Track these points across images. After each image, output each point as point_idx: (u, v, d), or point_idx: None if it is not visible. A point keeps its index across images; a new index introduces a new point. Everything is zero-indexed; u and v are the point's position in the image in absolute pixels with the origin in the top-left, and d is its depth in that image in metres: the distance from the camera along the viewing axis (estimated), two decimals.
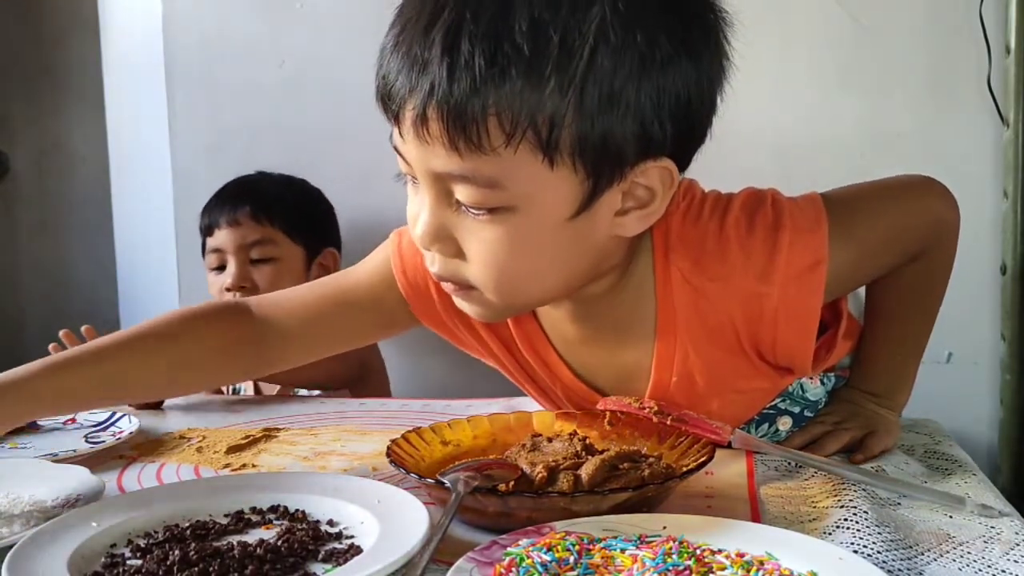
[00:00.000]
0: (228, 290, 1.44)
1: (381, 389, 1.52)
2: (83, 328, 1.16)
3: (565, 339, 0.89)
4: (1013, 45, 1.53)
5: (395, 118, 0.74)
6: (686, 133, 0.74)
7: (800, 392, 0.93)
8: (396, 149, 0.76)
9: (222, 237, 1.46)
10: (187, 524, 0.69)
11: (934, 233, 0.92)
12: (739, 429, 0.87)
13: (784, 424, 0.92)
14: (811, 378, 0.93)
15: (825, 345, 0.92)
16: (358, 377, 1.43)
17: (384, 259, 0.93)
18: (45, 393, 0.79)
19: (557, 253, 0.74)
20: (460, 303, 0.80)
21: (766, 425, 0.93)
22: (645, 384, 0.86)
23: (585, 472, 0.70)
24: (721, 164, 1.58)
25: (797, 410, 0.93)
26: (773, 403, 0.92)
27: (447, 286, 0.79)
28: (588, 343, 0.88)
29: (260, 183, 1.54)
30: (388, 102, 0.74)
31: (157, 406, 1.14)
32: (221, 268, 1.46)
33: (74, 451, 0.90)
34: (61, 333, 1.16)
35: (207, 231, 1.50)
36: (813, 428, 0.90)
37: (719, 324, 0.82)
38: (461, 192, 0.71)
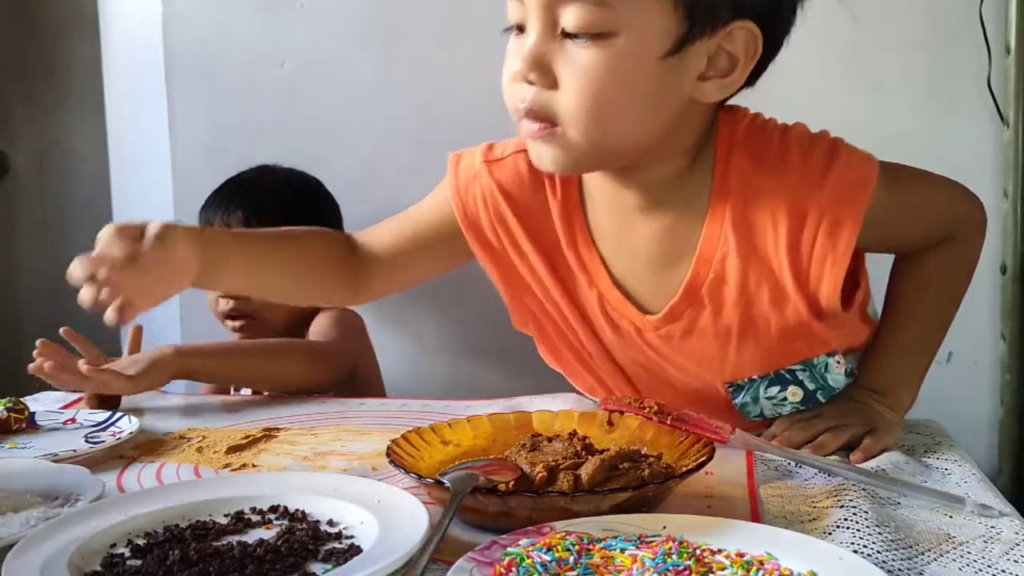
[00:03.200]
0: (222, 298, 1.43)
1: (375, 393, 1.49)
2: (61, 330, 1.16)
3: (613, 235, 0.92)
4: (1013, 45, 1.53)
5: None
6: (774, 7, 0.82)
7: (823, 370, 0.93)
8: None
9: None
10: (187, 524, 0.69)
11: (963, 221, 0.96)
12: (748, 389, 0.90)
13: (794, 395, 0.93)
14: (838, 362, 0.93)
15: (852, 279, 0.91)
16: (347, 381, 1.38)
17: (442, 188, 1.00)
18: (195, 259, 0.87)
19: (645, 93, 0.79)
20: (539, 150, 0.84)
21: (776, 388, 0.93)
22: (680, 281, 0.89)
23: (585, 472, 0.70)
24: None
25: (812, 387, 0.93)
26: (792, 368, 0.92)
27: (529, 127, 0.82)
28: (637, 235, 0.90)
29: (255, 184, 1.51)
30: None
31: (115, 404, 1.10)
32: None
33: (74, 451, 0.90)
34: (62, 331, 1.16)
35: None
36: (814, 425, 0.90)
37: (764, 227, 0.85)
38: (570, 15, 0.76)
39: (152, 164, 1.84)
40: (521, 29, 0.81)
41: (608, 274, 0.92)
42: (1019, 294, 1.56)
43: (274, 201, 1.47)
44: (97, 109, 2.03)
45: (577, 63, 0.77)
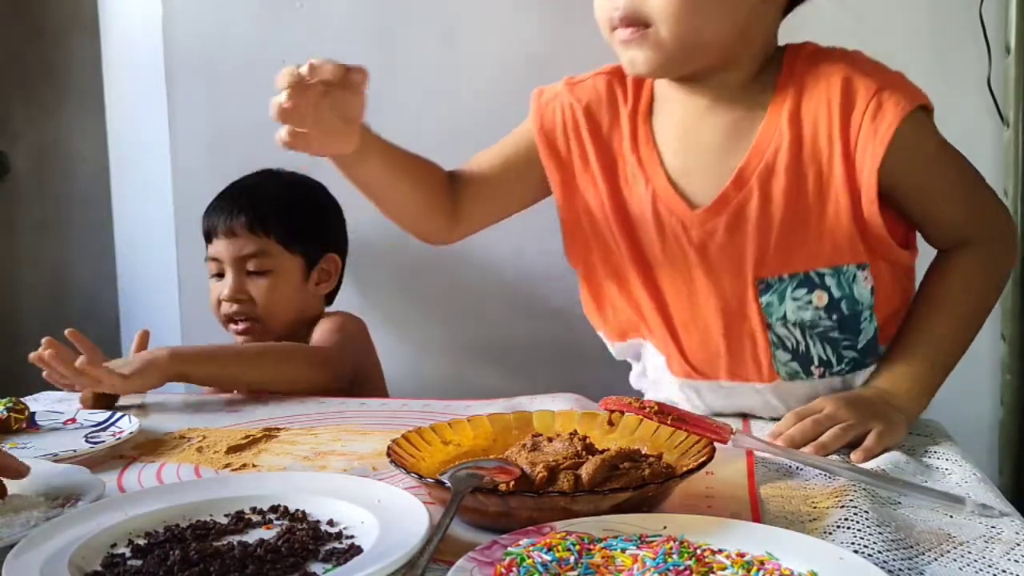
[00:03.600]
0: (225, 301, 1.42)
1: (378, 396, 1.48)
2: (67, 331, 1.16)
3: (676, 135, 1.03)
4: (1013, 45, 1.53)
5: None
6: None
7: (851, 280, 0.97)
8: None
9: (219, 247, 1.43)
10: (187, 524, 0.69)
11: (990, 220, 1.01)
12: (776, 288, 0.98)
13: (819, 299, 0.97)
14: (865, 277, 0.98)
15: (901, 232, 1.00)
16: (348, 386, 1.35)
17: (525, 122, 1.14)
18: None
19: None
20: (632, 55, 0.96)
21: (804, 290, 0.98)
22: (732, 172, 0.98)
23: (585, 472, 0.70)
24: None
25: (837, 295, 0.97)
26: (822, 271, 0.97)
27: (623, 34, 0.95)
28: (700, 131, 1.01)
29: (258, 189, 1.48)
30: None
31: (110, 404, 1.11)
32: (220, 276, 1.44)
33: (74, 451, 0.90)
34: (67, 332, 1.16)
35: (207, 237, 1.47)
36: (819, 424, 0.89)
37: (818, 115, 0.95)
38: None
39: (152, 164, 1.83)
40: None
41: (665, 173, 1.02)
42: (1019, 294, 1.56)
43: (277, 206, 1.45)
44: (97, 109, 2.03)
45: None
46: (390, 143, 1.08)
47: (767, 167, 0.97)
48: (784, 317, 0.99)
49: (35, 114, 2.33)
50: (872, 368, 1.01)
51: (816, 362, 1.00)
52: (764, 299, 0.99)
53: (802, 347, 1.00)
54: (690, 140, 1.02)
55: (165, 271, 1.82)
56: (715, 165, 1.00)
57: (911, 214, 1.00)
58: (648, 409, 0.83)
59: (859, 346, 1.00)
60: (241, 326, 1.43)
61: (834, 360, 1.00)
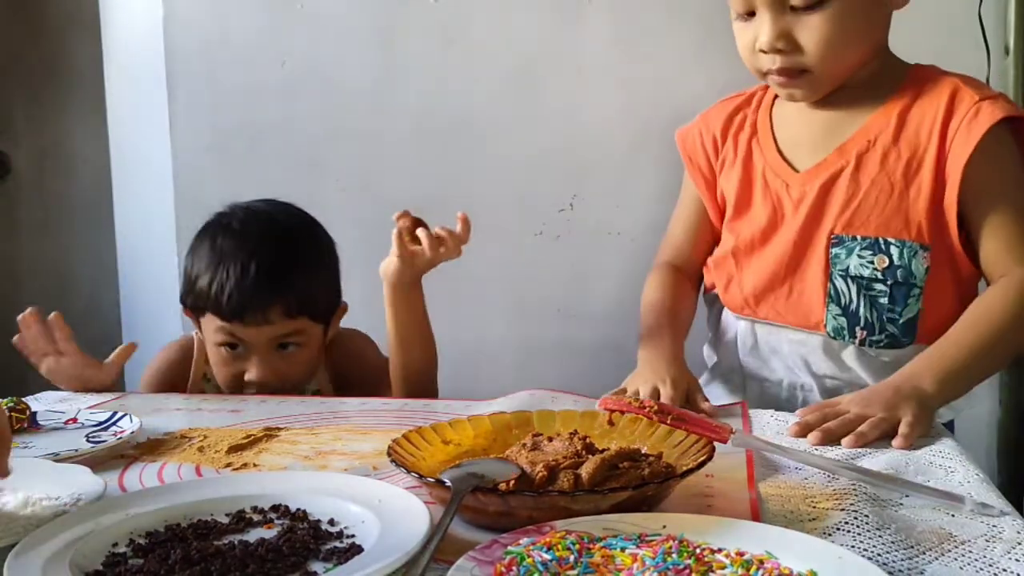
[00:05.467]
0: (252, 381, 1.27)
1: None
2: (52, 315, 1.23)
3: (794, 119, 1.19)
4: (1012, 46, 1.53)
5: None
6: None
7: (912, 255, 1.09)
8: None
9: (245, 332, 1.26)
10: (188, 523, 0.70)
11: None
12: (847, 244, 1.12)
13: (881, 262, 1.10)
14: (925, 256, 1.09)
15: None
16: (357, 379, 1.38)
17: (683, 188, 1.33)
18: None
19: (864, 24, 1.10)
20: (790, 91, 1.14)
21: (870, 252, 1.11)
22: (836, 146, 1.14)
23: (585, 471, 0.71)
24: None
25: (897, 263, 1.10)
26: (890, 240, 1.10)
27: (780, 79, 1.12)
28: (816, 115, 1.17)
29: (283, 262, 1.28)
30: None
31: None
32: (232, 347, 1.28)
33: (75, 451, 0.90)
34: (52, 315, 1.23)
35: (213, 307, 1.27)
36: (849, 421, 0.92)
37: (924, 115, 1.10)
38: None
39: (152, 164, 1.84)
40: (751, 15, 1.10)
41: (776, 145, 1.19)
42: None
43: (309, 281, 1.30)
44: (98, 109, 2.03)
45: (811, 27, 1.07)
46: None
47: (867, 144, 1.12)
48: (846, 270, 1.12)
49: (36, 114, 2.33)
50: (905, 349, 1.10)
51: (861, 323, 1.12)
52: (834, 251, 1.12)
53: (853, 305, 1.12)
54: (803, 118, 1.18)
55: (165, 271, 1.82)
56: (822, 140, 1.15)
57: (973, 224, 1.09)
58: (648, 409, 0.83)
59: (900, 321, 1.11)
60: (263, 393, 1.29)
61: (876, 327, 1.11)
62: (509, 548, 0.61)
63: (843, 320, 1.13)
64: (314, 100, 1.75)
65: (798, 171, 1.16)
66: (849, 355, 1.14)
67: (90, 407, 1.10)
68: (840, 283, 1.12)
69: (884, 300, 1.10)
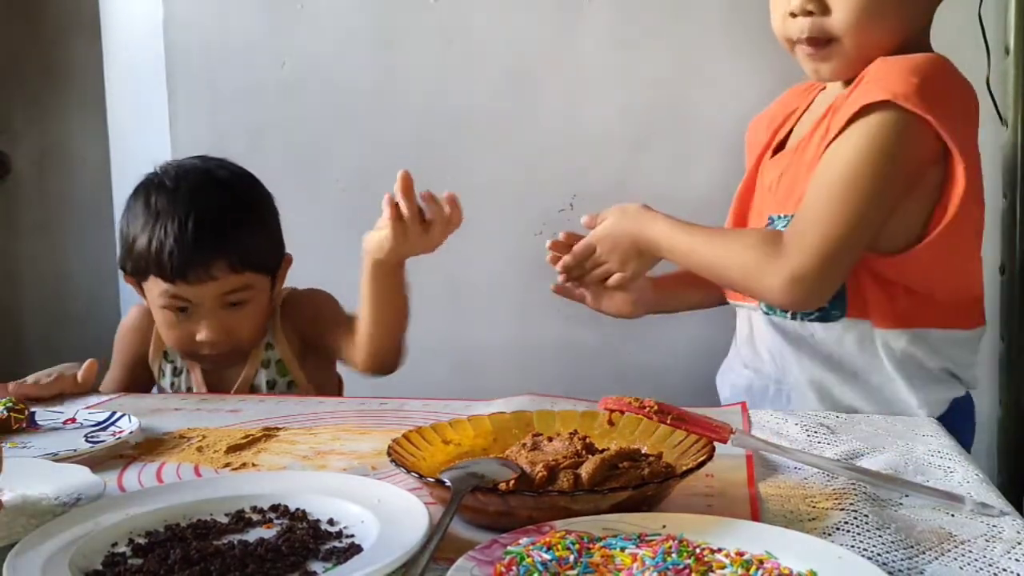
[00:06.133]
0: (203, 341, 1.25)
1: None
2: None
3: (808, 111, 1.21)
4: (1012, 46, 1.53)
5: None
6: None
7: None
8: None
9: (189, 291, 1.23)
10: (188, 523, 0.70)
11: (805, 246, 1.07)
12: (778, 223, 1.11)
13: None
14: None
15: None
16: (319, 339, 1.35)
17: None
18: None
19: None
20: (817, 66, 1.12)
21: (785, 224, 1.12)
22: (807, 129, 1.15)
23: (585, 471, 0.70)
24: (720, 162, 1.59)
25: None
26: None
27: (808, 50, 1.10)
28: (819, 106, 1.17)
29: (224, 217, 1.25)
30: None
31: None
32: (182, 310, 1.25)
33: (74, 450, 0.90)
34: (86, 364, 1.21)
35: (155, 267, 1.23)
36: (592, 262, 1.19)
37: (844, 100, 1.08)
38: None
39: (153, 164, 1.84)
40: None
41: (782, 130, 1.23)
42: (1018, 294, 1.56)
43: (252, 233, 1.28)
44: (98, 110, 2.03)
45: None
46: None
47: (814, 126, 1.13)
48: None
49: (36, 115, 2.33)
50: (836, 323, 1.10)
51: None
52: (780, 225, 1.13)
53: None
54: (812, 115, 1.18)
55: None
56: (806, 131, 1.16)
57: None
58: (648, 409, 0.83)
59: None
60: (218, 357, 1.30)
61: None
62: (509, 548, 0.61)
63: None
64: (314, 100, 1.75)
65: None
66: (779, 328, 1.15)
67: (89, 407, 1.10)
68: None
69: None
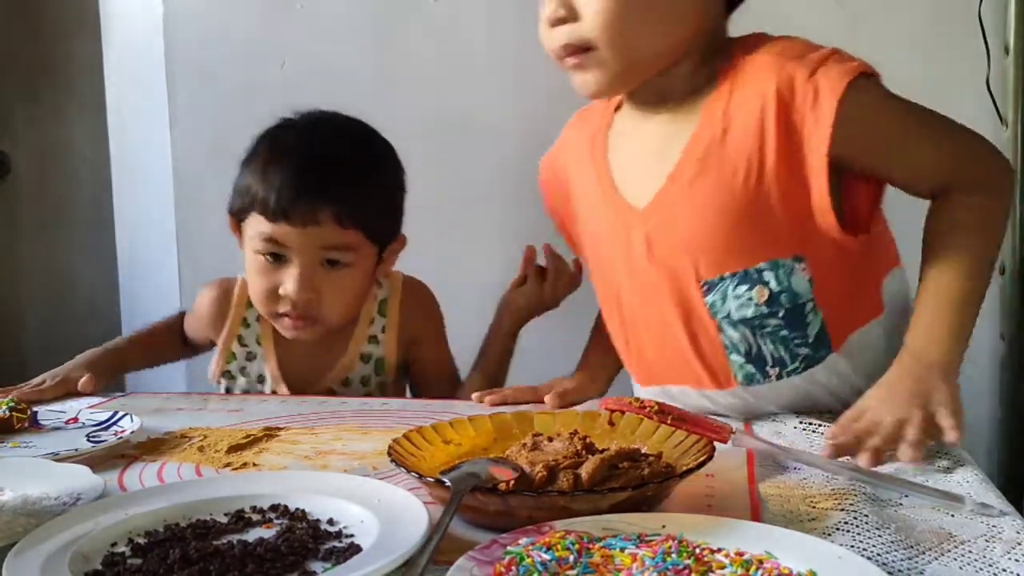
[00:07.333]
0: (288, 296, 1.17)
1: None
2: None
3: (623, 143, 1.05)
4: (1012, 46, 1.53)
5: None
6: None
7: (788, 273, 0.95)
8: None
9: (289, 233, 1.14)
10: (187, 523, 0.70)
11: (983, 164, 0.96)
12: (719, 287, 0.97)
13: (760, 295, 0.96)
14: (803, 268, 0.95)
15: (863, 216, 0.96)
16: (423, 339, 1.34)
17: None
18: None
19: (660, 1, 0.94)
20: (582, 79, 0.98)
21: (745, 287, 0.96)
22: (669, 168, 0.98)
23: (585, 471, 0.70)
24: None
25: (776, 289, 0.95)
26: (761, 267, 0.96)
27: (569, 62, 0.97)
28: (643, 134, 1.03)
29: (345, 167, 1.18)
30: None
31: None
32: (275, 258, 1.17)
33: (76, 450, 0.90)
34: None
35: (260, 204, 1.16)
36: (891, 434, 0.83)
37: (755, 108, 0.93)
38: None
39: (152, 164, 1.84)
40: None
41: (611, 179, 1.05)
42: (1019, 294, 1.56)
43: (370, 192, 1.20)
44: (98, 109, 2.03)
45: None
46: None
47: (697, 166, 0.96)
48: (729, 316, 0.97)
49: (36, 114, 2.33)
50: (829, 362, 0.98)
51: (770, 362, 0.98)
52: (709, 299, 0.98)
53: (754, 348, 0.98)
54: (632, 146, 1.04)
55: (165, 271, 1.82)
56: (652, 168, 0.99)
57: (883, 177, 0.97)
58: (648, 409, 0.83)
59: (810, 341, 0.97)
60: (298, 322, 1.20)
61: (787, 358, 0.98)
62: (508, 548, 0.61)
63: (751, 367, 0.99)
64: (314, 99, 1.75)
65: (637, 208, 1.01)
66: (772, 392, 1.00)
67: (91, 407, 1.10)
68: (732, 333, 0.98)
69: (784, 332, 0.97)
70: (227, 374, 1.32)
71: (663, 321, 1.01)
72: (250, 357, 1.30)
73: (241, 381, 1.31)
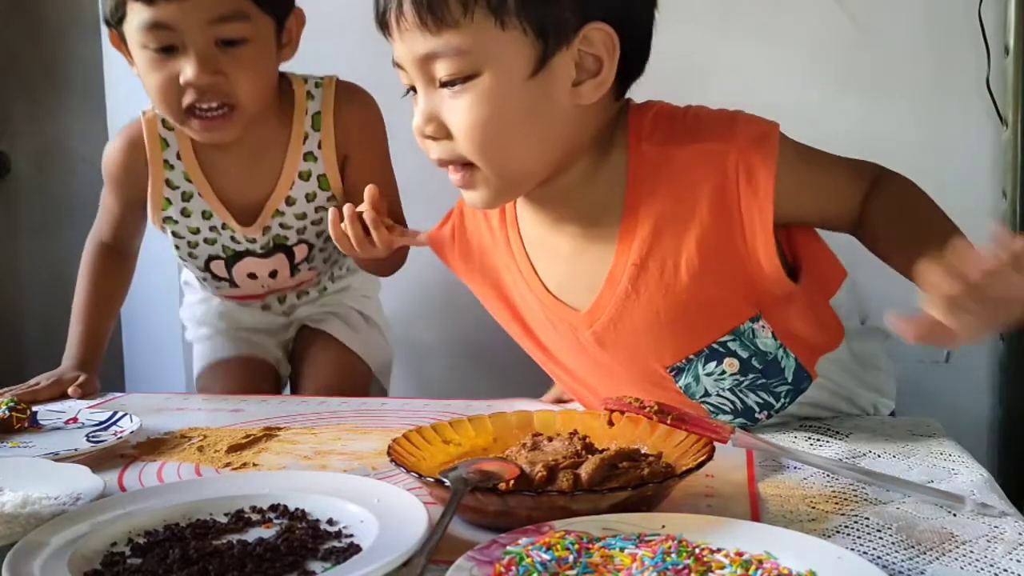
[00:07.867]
0: (191, 85, 1.08)
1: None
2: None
3: (541, 243, 0.97)
4: (1012, 46, 1.53)
5: (387, 29, 0.88)
6: (622, 5, 0.87)
7: (751, 336, 0.93)
8: (398, 65, 0.89)
9: (170, 10, 1.04)
10: (187, 523, 0.70)
11: (871, 163, 0.94)
12: (688, 370, 0.94)
13: (731, 366, 0.93)
14: (762, 327, 0.92)
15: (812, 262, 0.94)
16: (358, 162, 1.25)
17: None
18: None
19: (527, 114, 0.85)
20: (468, 195, 0.91)
21: (713, 363, 0.94)
22: (604, 271, 0.92)
23: (585, 471, 0.70)
24: None
25: (745, 355, 0.93)
26: (723, 340, 0.93)
27: (453, 178, 0.90)
28: (560, 240, 0.95)
29: None
30: (383, 15, 0.89)
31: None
32: (168, 50, 1.08)
33: (75, 450, 0.90)
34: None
35: None
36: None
37: (685, 198, 0.89)
38: (440, 69, 0.84)
39: None
40: (416, 91, 0.88)
41: (540, 282, 0.97)
42: None
43: None
44: (98, 109, 2.03)
45: (457, 108, 0.84)
46: None
47: (635, 266, 0.91)
48: (706, 392, 0.95)
49: (35, 114, 2.33)
50: (814, 386, 0.96)
51: (757, 409, 0.97)
52: (681, 383, 0.95)
53: (739, 405, 0.96)
54: (551, 250, 0.97)
55: (165, 270, 1.82)
56: (586, 271, 0.94)
57: (817, 220, 0.95)
58: (648, 409, 0.83)
59: (789, 380, 0.95)
60: (215, 115, 1.10)
61: (772, 400, 0.96)
62: (508, 548, 0.61)
63: (740, 419, 0.97)
64: None
65: (578, 310, 0.95)
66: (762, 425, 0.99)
67: (90, 407, 1.10)
68: (714, 400, 0.96)
69: (762, 381, 0.95)
70: (168, 220, 1.24)
71: (631, 393, 0.91)
72: (186, 197, 1.23)
73: (187, 222, 1.23)
